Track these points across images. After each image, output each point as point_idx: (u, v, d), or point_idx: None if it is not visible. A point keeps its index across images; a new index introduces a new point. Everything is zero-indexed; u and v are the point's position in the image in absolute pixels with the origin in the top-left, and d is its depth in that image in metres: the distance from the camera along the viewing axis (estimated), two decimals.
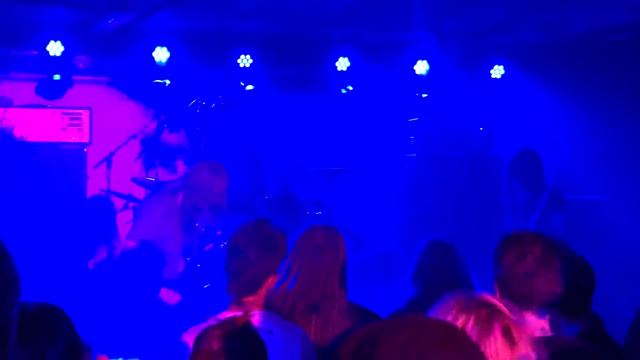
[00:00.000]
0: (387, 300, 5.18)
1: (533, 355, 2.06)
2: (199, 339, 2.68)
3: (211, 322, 2.80)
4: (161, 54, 8.45)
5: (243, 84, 9.06)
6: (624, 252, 7.79)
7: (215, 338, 2.64)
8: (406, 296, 4.57)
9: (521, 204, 7.08)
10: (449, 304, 2.12)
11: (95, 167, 7.61)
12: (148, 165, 8.10)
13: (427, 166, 8.23)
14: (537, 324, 3.01)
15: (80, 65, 8.31)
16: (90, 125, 7.33)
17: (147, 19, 7.78)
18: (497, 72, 9.54)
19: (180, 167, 8.76)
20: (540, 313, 3.05)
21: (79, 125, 7.27)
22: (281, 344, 3.47)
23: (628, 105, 8.76)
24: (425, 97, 9.51)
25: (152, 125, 8.17)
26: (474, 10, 7.85)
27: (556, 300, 3.11)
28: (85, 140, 7.30)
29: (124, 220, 7.51)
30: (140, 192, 7.96)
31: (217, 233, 6.84)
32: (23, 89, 8.20)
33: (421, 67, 9.38)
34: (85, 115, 7.37)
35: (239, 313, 2.85)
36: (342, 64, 9.14)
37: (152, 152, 8.21)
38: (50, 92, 8.24)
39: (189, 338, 3.16)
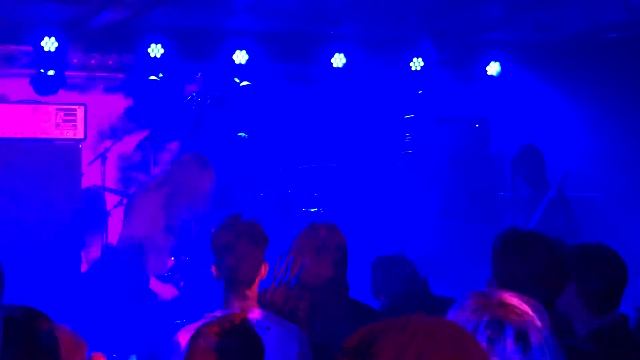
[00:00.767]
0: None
1: None
2: (195, 336, 2.65)
3: (208, 319, 2.78)
4: (156, 51, 8.43)
5: (238, 80, 9.05)
6: (621, 249, 7.78)
7: (213, 335, 2.62)
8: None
9: (523, 201, 7.07)
10: (466, 304, 2.07)
11: (90, 163, 7.57)
12: (145, 162, 8.05)
13: (422, 163, 8.22)
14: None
15: (75, 61, 8.28)
16: (85, 122, 7.30)
17: (142, 15, 7.75)
18: (493, 69, 9.55)
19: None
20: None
21: (74, 121, 7.23)
22: (278, 342, 3.45)
23: (624, 102, 8.77)
24: (421, 93, 9.52)
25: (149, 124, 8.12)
26: (470, 8, 7.85)
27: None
28: (80, 136, 7.26)
29: (117, 217, 7.49)
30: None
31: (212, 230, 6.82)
32: (17, 84, 8.16)
33: (417, 64, 9.38)
34: (79, 111, 7.32)
35: (236, 310, 2.83)
36: (338, 60, 9.13)
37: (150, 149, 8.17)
38: (44, 88, 8.21)
39: (183, 336, 3.14)
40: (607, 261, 3.36)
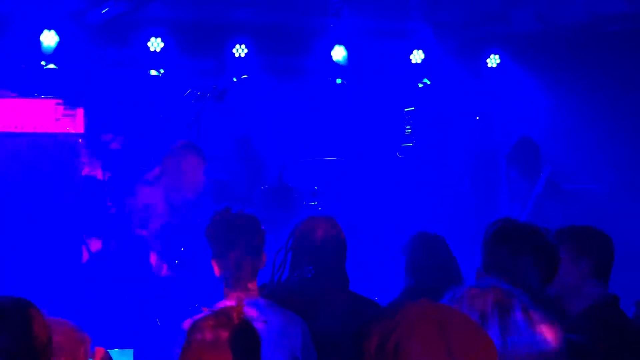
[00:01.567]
0: (382, 290, 5.17)
1: (551, 337, 2.04)
2: (191, 330, 2.67)
3: (205, 312, 2.79)
4: (156, 44, 8.44)
5: (238, 74, 9.05)
6: (619, 241, 7.78)
7: (208, 328, 2.63)
8: (402, 286, 4.56)
9: (518, 192, 7.08)
10: (457, 297, 2.10)
11: (92, 157, 7.52)
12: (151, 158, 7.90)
13: (423, 155, 8.22)
14: None
15: (75, 55, 8.27)
16: (85, 116, 7.30)
17: (142, 9, 7.75)
18: (493, 61, 9.54)
19: None
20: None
21: (73, 115, 7.24)
22: (282, 332, 3.47)
23: (623, 95, 8.76)
24: (421, 86, 9.51)
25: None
26: (470, 0, 7.84)
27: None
28: (80, 130, 7.27)
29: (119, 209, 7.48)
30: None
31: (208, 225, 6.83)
32: (17, 79, 8.16)
33: (417, 56, 9.37)
34: (79, 104, 7.34)
35: (233, 302, 2.83)
36: (338, 53, 9.12)
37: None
38: (44, 82, 8.21)
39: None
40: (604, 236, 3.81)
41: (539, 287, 3.06)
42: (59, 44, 8.09)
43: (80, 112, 7.26)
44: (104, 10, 7.73)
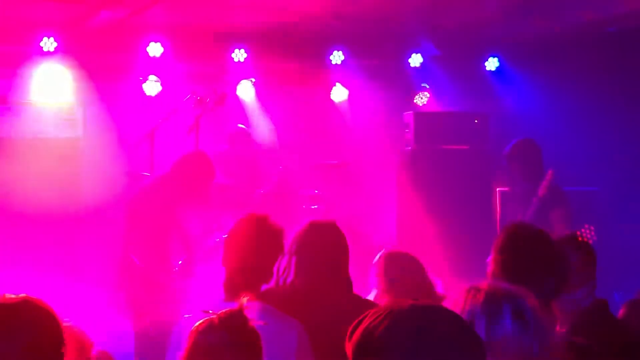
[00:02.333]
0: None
1: (547, 336, 2.04)
2: (193, 332, 2.68)
3: (207, 314, 2.80)
4: (155, 50, 8.45)
5: (237, 79, 9.06)
6: (617, 242, 7.81)
7: (211, 330, 2.65)
8: None
9: (519, 195, 7.07)
10: (461, 291, 2.10)
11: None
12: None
13: (422, 159, 8.22)
14: None
15: (73, 60, 8.28)
16: (84, 120, 7.32)
17: (141, 14, 7.76)
18: (492, 64, 9.56)
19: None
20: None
21: (73, 120, 7.27)
22: (277, 336, 3.47)
23: (624, 96, 8.76)
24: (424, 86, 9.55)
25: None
26: (469, 3, 7.85)
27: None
28: (79, 134, 7.29)
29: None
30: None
31: (214, 227, 6.84)
32: (17, 85, 8.17)
33: (416, 60, 9.39)
34: (78, 110, 7.36)
35: (235, 305, 2.84)
36: (337, 57, 9.14)
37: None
38: (44, 88, 8.22)
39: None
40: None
41: (549, 292, 3.06)
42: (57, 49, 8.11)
43: (79, 116, 7.29)
44: (102, 16, 7.74)
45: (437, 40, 9.09)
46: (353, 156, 9.42)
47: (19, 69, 8.10)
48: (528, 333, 2.03)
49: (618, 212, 8.14)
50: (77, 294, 6.84)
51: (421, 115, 8.52)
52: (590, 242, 6.69)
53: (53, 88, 8.20)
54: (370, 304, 4.05)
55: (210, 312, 2.80)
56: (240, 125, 8.61)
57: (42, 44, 8.05)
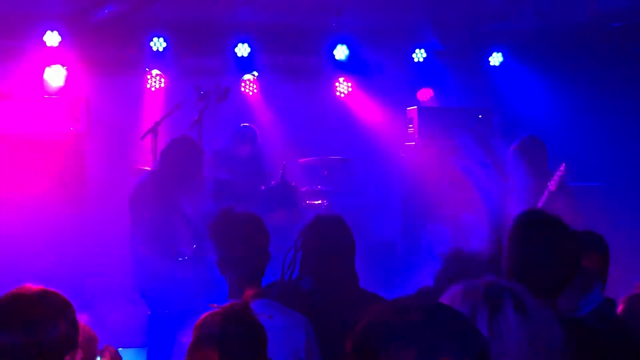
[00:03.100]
0: (386, 289, 5.18)
1: (549, 329, 2.02)
2: (199, 325, 2.68)
3: (212, 309, 2.80)
4: (158, 44, 8.45)
5: (240, 73, 9.06)
6: (620, 238, 7.78)
7: (216, 324, 2.65)
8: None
9: (525, 190, 7.06)
10: (456, 290, 2.08)
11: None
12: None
13: (426, 154, 8.21)
14: None
15: (77, 54, 8.28)
16: (88, 115, 7.32)
17: (144, 9, 7.75)
18: (496, 59, 9.54)
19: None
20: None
21: (77, 114, 7.26)
22: (284, 331, 3.47)
23: (627, 91, 8.76)
24: (424, 85, 9.52)
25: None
26: None
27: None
28: (83, 129, 7.29)
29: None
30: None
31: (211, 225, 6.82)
32: (20, 79, 8.17)
33: (419, 55, 9.38)
34: (82, 104, 7.35)
35: (239, 300, 2.85)
36: (340, 52, 9.13)
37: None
38: (48, 82, 8.22)
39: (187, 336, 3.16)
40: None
41: (556, 287, 3.03)
42: (61, 43, 8.11)
43: (83, 111, 7.28)
44: (106, 11, 7.74)
45: (441, 35, 9.07)
46: (357, 151, 9.41)
47: (23, 63, 8.11)
48: (530, 327, 2.02)
49: (622, 207, 8.12)
50: (83, 288, 6.84)
51: (425, 110, 8.51)
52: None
53: (57, 82, 8.22)
54: (377, 299, 4.05)
55: (216, 306, 2.81)
56: (244, 124, 8.59)
57: (45, 38, 8.06)
